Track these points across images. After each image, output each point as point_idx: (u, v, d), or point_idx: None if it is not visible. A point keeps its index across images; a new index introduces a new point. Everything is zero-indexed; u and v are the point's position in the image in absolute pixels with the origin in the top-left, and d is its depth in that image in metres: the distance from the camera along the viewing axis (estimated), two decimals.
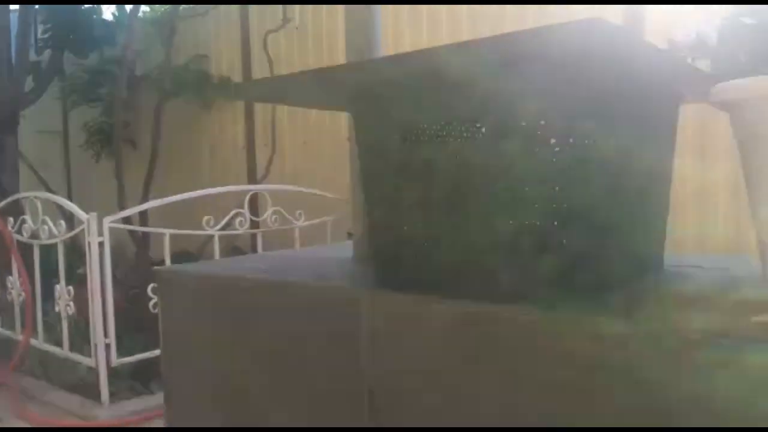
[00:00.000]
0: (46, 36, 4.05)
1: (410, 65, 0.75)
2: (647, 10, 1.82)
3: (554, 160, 0.70)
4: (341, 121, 3.29)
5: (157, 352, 2.38)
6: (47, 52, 4.15)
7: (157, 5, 4.30)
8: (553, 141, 0.70)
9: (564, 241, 0.72)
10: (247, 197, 2.75)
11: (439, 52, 0.70)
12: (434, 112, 0.79)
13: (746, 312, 0.63)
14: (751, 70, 0.82)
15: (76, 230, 2.36)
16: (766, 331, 0.57)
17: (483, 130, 0.76)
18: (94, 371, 2.31)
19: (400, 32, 3.20)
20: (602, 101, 0.75)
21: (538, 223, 0.73)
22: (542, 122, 0.70)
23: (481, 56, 0.68)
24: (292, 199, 2.96)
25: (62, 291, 2.40)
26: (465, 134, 0.83)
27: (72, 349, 2.45)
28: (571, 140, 0.71)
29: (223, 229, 2.58)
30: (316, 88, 0.90)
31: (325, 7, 3.53)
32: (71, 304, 2.40)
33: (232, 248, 3.79)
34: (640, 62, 0.75)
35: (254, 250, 3.09)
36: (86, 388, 2.42)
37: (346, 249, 1.33)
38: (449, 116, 0.79)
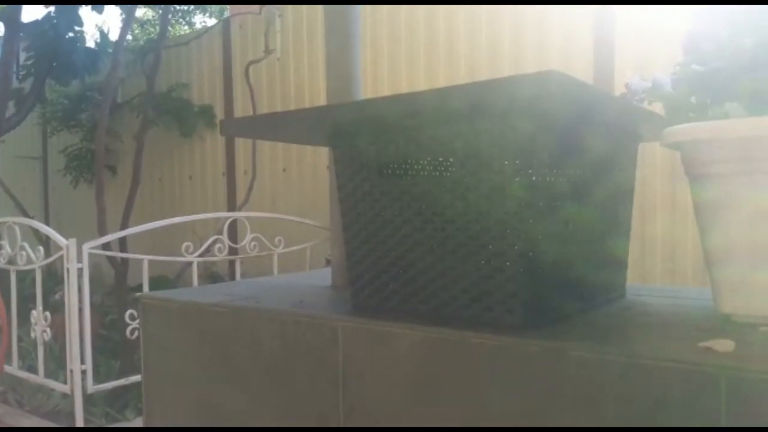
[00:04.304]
0: (28, 63, 4.08)
1: (386, 107, 0.81)
2: (616, 61, 1.96)
3: (519, 194, 0.76)
4: (320, 149, 3.35)
5: (133, 378, 2.38)
6: (29, 80, 4.17)
7: (140, 34, 4.35)
8: (517, 178, 0.76)
9: (531, 270, 0.78)
10: (226, 224, 2.78)
11: (413, 97, 0.76)
12: (408, 149, 0.85)
13: (695, 338, 0.69)
14: (700, 112, 0.89)
15: (55, 256, 2.36)
16: (710, 356, 0.63)
17: (453, 164, 0.82)
18: (68, 398, 2.30)
19: (378, 57, 3.29)
20: (563, 140, 0.82)
21: (504, 253, 0.78)
22: (506, 161, 0.76)
23: (451, 101, 0.74)
24: (272, 225, 3.00)
25: (39, 317, 2.39)
26: (437, 170, 0.89)
27: (46, 375, 2.43)
28: (534, 178, 0.77)
29: (201, 255, 2.61)
30: (299, 126, 0.95)
31: (306, 38, 3.61)
32: (48, 330, 2.39)
33: (210, 274, 3.80)
34: (596, 106, 0.82)
35: (232, 276, 3.11)
36: (60, 415, 2.40)
37: (324, 276, 1.38)
38: (421, 153, 0.85)
